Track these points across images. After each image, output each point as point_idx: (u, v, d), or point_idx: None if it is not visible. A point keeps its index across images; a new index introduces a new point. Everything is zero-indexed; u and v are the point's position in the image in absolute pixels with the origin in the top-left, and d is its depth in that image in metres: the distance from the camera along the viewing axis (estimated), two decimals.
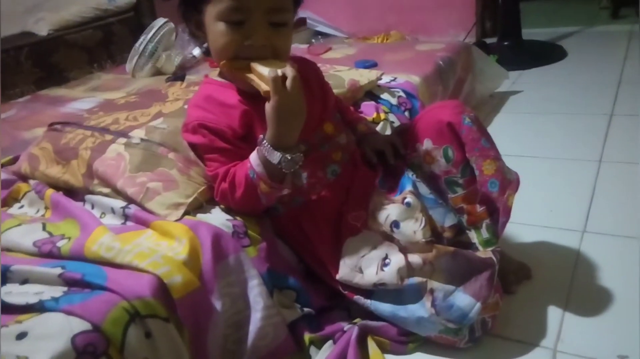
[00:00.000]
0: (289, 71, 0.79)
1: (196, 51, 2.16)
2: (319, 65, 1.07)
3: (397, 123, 1.36)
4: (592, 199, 1.29)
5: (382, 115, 1.34)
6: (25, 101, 2.00)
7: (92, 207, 0.98)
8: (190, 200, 0.91)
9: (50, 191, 1.01)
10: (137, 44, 2.04)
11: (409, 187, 0.93)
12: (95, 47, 2.39)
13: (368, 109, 1.35)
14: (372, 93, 1.44)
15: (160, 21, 2.08)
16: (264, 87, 0.80)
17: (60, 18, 2.29)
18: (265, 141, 0.82)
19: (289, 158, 0.81)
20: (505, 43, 2.63)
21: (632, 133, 1.62)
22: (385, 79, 1.52)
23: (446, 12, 3.17)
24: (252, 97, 0.87)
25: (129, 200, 0.93)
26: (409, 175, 0.97)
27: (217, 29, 0.85)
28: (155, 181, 0.93)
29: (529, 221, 1.21)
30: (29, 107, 1.87)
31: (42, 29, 2.25)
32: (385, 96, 1.44)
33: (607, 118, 1.75)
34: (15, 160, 1.21)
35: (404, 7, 3.27)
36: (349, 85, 1.36)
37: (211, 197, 0.94)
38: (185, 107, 1.12)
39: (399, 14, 3.30)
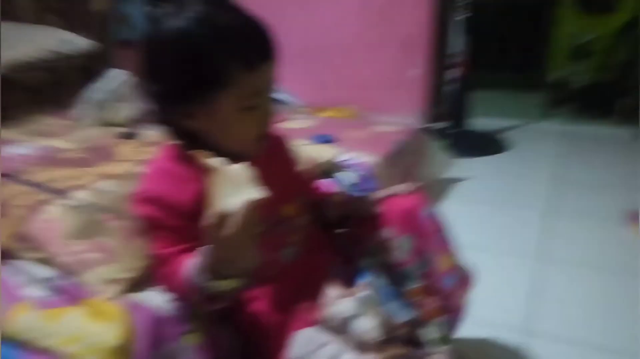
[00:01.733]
0: (232, 221, 0.69)
1: (147, 104, 2.10)
2: None
3: None
4: (531, 297, 1.30)
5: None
6: None
7: (16, 274, 0.88)
8: (129, 275, 0.84)
9: None
10: (88, 91, 1.97)
11: (365, 279, 0.90)
12: (41, 89, 2.28)
13: (324, 188, 1.33)
14: (329, 171, 1.42)
15: (115, 71, 2.02)
16: (208, 213, 0.71)
17: (7, 56, 2.18)
18: (201, 258, 0.76)
19: (215, 289, 0.75)
20: (453, 130, 2.74)
21: (562, 232, 1.68)
22: (342, 157, 1.51)
23: (397, 95, 3.30)
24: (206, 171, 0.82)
25: (61, 270, 0.84)
26: (366, 263, 0.94)
27: (232, 117, 0.81)
28: (94, 252, 0.85)
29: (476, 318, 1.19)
30: None
31: None
32: (341, 175, 1.43)
33: (538, 215, 1.82)
34: None
35: (357, 84, 3.38)
36: (307, 163, 1.34)
37: (152, 273, 0.86)
38: (134, 170, 1.05)
39: (354, 90, 3.40)
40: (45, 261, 0.87)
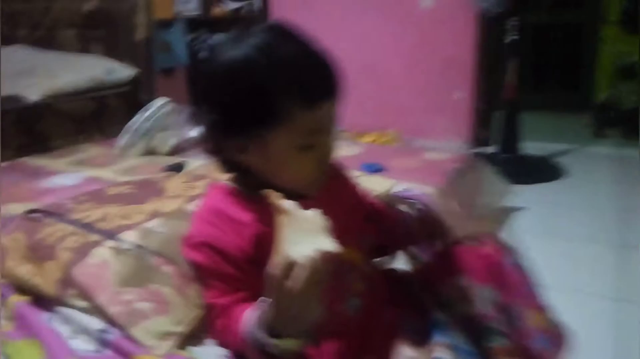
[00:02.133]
0: (297, 277, 0.61)
1: (194, 133, 2.07)
2: None
3: None
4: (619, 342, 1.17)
5: None
6: (3, 169, 1.84)
7: (63, 323, 0.82)
8: (182, 329, 0.76)
9: (15, 300, 0.85)
10: (132, 120, 1.94)
11: (440, 337, 0.80)
12: (86, 118, 2.28)
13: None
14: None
15: (160, 100, 1.99)
16: (273, 261, 0.63)
17: (53, 85, 2.19)
18: (261, 312, 0.67)
19: (280, 347, 0.66)
20: (504, 155, 2.62)
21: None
22: (397, 189, 1.42)
23: (441, 118, 3.20)
24: (270, 213, 0.75)
25: (110, 321, 0.77)
26: (441, 317, 0.84)
27: (288, 155, 0.74)
28: (145, 301, 0.78)
29: None
30: (6, 178, 1.72)
31: (33, 94, 2.14)
32: (401, 209, 1.34)
33: (616, 250, 1.68)
34: None
35: (400, 107, 3.30)
36: None
37: (207, 324, 0.78)
38: (187, 207, 0.98)
39: (396, 114, 3.32)
40: (94, 311, 0.80)
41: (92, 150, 2.06)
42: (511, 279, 0.82)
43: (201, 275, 0.78)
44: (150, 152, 1.93)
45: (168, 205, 1.01)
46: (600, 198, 2.19)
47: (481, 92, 3.05)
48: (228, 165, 0.81)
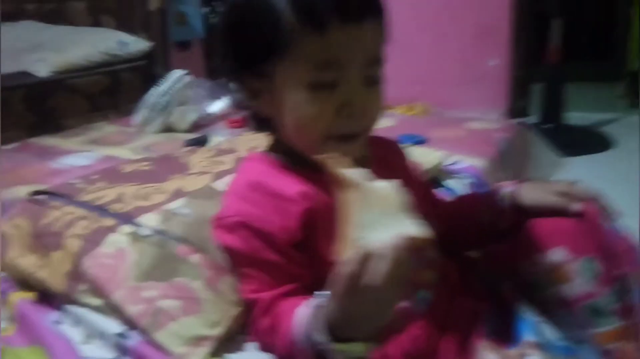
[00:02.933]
0: (377, 267, 0.47)
1: (214, 108, 1.93)
2: None
3: None
4: None
5: None
6: (12, 149, 1.72)
7: (74, 325, 0.68)
8: (217, 331, 0.62)
9: (17, 297, 0.71)
10: (148, 95, 1.80)
11: (529, 336, 0.65)
12: (100, 94, 2.14)
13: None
14: (437, 179, 1.17)
15: (177, 72, 1.84)
16: (340, 250, 0.49)
17: (63, 60, 2.05)
18: (319, 310, 0.54)
19: (345, 353, 0.52)
20: (546, 126, 2.43)
21: None
22: (448, 161, 1.26)
23: (474, 88, 3.00)
24: (323, 185, 0.60)
25: (129, 323, 0.64)
26: (527, 313, 0.68)
27: (297, 97, 0.59)
28: (171, 299, 0.64)
29: None
30: (15, 158, 1.59)
31: (42, 70, 2.00)
32: (451, 183, 1.18)
33: None
34: None
35: (429, 79, 3.10)
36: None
37: (247, 323, 0.64)
38: (215, 185, 0.84)
39: (424, 86, 3.12)
40: (109, 310, 0.66)
41: (106, 128, 1.93)
42: (614, 244, 0.67)
43: (238, 263, 0.63)
44: (169, 129, 1.79)
45: (193, 183, 0.87)
46: None
47: (519, 59, 2.83)
48: (256, 121, 0.68)
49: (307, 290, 0.60)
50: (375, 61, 0.62)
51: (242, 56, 0.62)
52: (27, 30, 2.35)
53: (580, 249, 0.67)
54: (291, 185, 0.63)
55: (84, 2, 2.43)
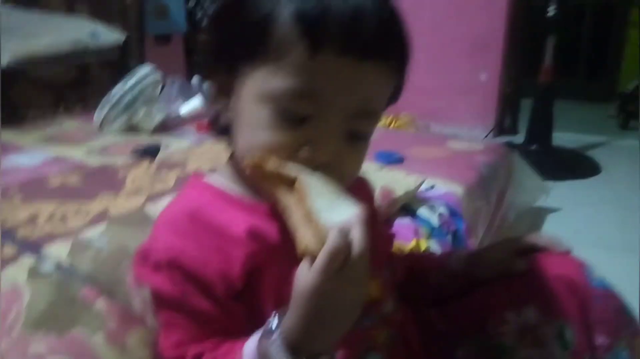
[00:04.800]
0: (360, 237, 0.43)
1: (184, 109, 1.82)
2: None
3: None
4: None
5: (423, 243, 0.97)
6: None
7: None
8: None
9: None
10: (112, 91, 1.68)
11: None
12: (65, 86, 2.02)
13: (404, 232, 0.98)
14: (406, 206, 1.08)
15: (145, 68, 1.73)
16: (308, 240, 0.43)
17: (27, 48, 1.92)
18: (277, 332, 0.45)
19: None
20: (533, 147, 2.34)
21: None
22: (421, 186, 1.16)
23: (463, 102, 2.92)
24: (272, 219, 0.51)
25: None
26: None
27: (260, 115, 0.48)
28: (61, 355, 0.52)
29: None
30: None
31: (3, 59, 1.87)
32: (423, 212, 1.08)
33: None
34: None
35: (416, 90, 2.98)
36: (382, 196, 0.99)
37: None
38: (148, 208, 0.73)
39: (411, 96, 3.00)
40: None
41: (68, 124, 1.81)
42: (605, 306, 0.58)
43: (161, 308, 0.52)
44: (133, 128, 1.68)
45: (122, 204, 0.76)
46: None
47: (511, 75, 2.75)
48: (217, 126, 0.56)
49: (241, 344, 0.50)
50: (366, 114, 0.50)
51: (224, 46, 0.52)
52: None
53: (554, 311, 0.58)
54: (238, 221, 0.52)
55: None
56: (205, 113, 1.52)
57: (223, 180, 0.56)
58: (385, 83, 0.50)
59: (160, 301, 0.52)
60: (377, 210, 0.70)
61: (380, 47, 0.47)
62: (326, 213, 0.44)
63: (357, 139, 0.50)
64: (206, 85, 0.55)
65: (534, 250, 0.64)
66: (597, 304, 0.59)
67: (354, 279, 0.43)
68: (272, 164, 0.47)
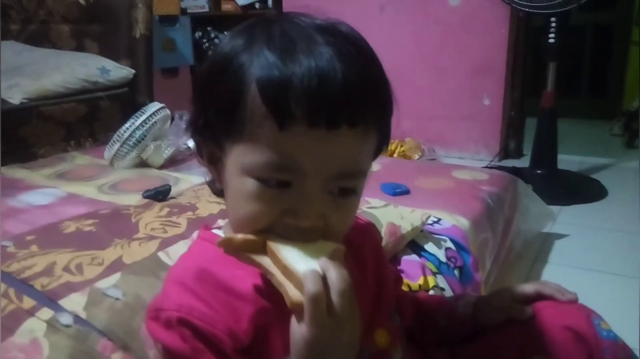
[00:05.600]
0: (336, 275, 0.45)
1: (191, 142, 1.84)
2: None
3: (447, 291, 1.00)
4: None
5: (431, 280, 0.98)
6: None
7: None
8: None
9: None
10: (122, 129, 1.72)
11: None
12: (76, 122, 2.06)
13: (411, 269, 0.99)
14: (413, 242, 1.09)
15: (154, 106, 1.76)
16: (292, 293, 0.45)
17: (39, 86, 1.97)
18: None
19: None
20: (539, 171, 2.35)
21: None
22: (427, 221, 1.17)
23: (467, 126, 2.94)
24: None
25: None
26: None
27: (244, 186, 0.50)
28: None
29: None
30: None
31: (16, 97, 1.92)
32: (430, 247, 1.09)
33: None
34: None
35: (421, 115, 3.03)
36: (389, 233, 1.01)
37: None
38: (161, 255, 0.75)
39: (416, 121, 3.06)
40: None
41: (79, 160, 1.84)
42: (610, 355, 0.59)
43: None
44: (143, 164, 1.71)
45: (136, 251, 0.78)
46: None
47: (515, 98, 2.78)
48: (214, 187, 0.60)
49: None
50: (348, 175, 0.50)
51: (205, 120, 0.53)
52: (7, 52, 2.27)
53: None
54: (244, 277, 0.53)
55: (68, 25, 2.36)
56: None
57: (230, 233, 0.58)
58: (364, 143, 0.50)
59: (170, 357, 0.54)
60: (384, 254, 0.71)
61: (350, 114, 0.47)
62: (301, 263, 0.46)
63: (343, 196, 0.51)
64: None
65: (540, 299, 0.65)
66: (607, 356, 0.60)
67: (342, 319, 0.44)
68: (238, 238, 0.50)
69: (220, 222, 0.62)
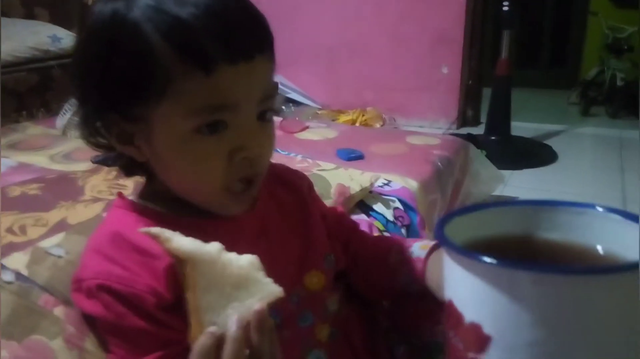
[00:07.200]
0: (230, 347, 0.45)
1: None
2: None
3: None
4: None
5: None
6: None
7: None
8: None
9: None
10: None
11: None
12: (27, 92, 2.01)
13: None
14: (362, 202, 1.12)
15: None
16: (194, 334, 0.46)
17: None
18: None
19: None
20: (493, 137, 2.42)
21: None
22: (377, 182, 1.21)
23: (426, 96, 2.99)
24: (192, 232, 0.50)
25: None
26: None
27: (182, 145, 0.51)
28: None
29: None
30: None
31: None
32: (378, 207, 1.13)
33: None
34: None
35: (382, 85, 3.07)
36: (337, 194, 1.04)
37: None
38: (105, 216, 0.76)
39: (377, 91, 3.09)
40: None
41: (31, 130, 1.80)
42: None
43: (101, 331, 0.56)
44: None
45: (81, 212, 0.79)
46: (603, 185, 2.01)
47: (472, 67, 2.83)
48: (127, 168, 0.59)
49: (185, 351, 0.53)
50: (270, 96, 0.54)
51: (107, 96, 0.51)
52: None
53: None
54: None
55: None
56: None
57: (145, 202, 0.58)
58: (271, 64, 0.54)
59: (98, 324, 0.56)
60: (314, 201, 0.70)
61: (258, 43, 0.51)
62: (210, 314, 0.45)
63: (267, 119, 0.55)
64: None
65: None
66: None
67: None
68: (163, 240, 0.47)
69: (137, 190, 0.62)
